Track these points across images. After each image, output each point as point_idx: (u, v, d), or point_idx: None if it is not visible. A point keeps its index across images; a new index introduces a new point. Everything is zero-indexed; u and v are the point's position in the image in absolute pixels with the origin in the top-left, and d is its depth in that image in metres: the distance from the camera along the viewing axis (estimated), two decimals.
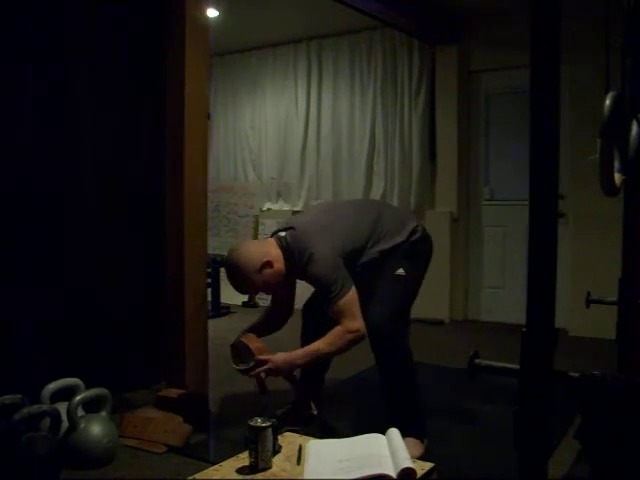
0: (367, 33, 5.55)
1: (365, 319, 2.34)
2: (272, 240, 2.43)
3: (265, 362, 2.29)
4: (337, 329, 2.28)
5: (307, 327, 2.68)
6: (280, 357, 2.32)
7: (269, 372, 2.32)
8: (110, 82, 3.08)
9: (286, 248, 2.37)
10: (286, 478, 1.72)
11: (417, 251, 2.47)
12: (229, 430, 2.64)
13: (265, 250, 2.36)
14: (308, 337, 2.51)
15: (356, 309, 2.29)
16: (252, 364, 2.31)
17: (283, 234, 2.41)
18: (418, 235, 2.47)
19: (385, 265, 2.41)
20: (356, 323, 2.28)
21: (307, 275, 2.33)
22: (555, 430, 1.16)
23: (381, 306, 2.35)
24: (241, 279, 2.34)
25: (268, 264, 2.32)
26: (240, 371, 2.36)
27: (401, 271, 2.39)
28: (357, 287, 2.34)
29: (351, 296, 2.29)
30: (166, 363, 2.92)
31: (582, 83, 4.30)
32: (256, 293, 2.50)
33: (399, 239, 2.42)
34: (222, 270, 5.47)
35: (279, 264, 2.35)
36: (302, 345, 2.59)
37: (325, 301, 2.31)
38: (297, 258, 2.34)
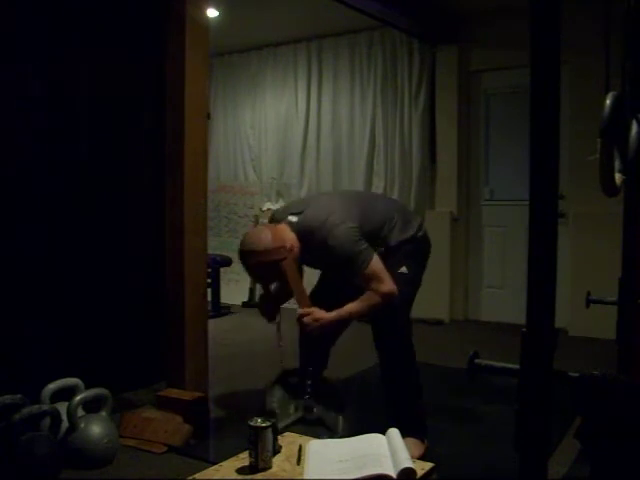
0: (367, 33, 5.54)
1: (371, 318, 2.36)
2: (284, 226, 2.38)
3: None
4: (370, 294, 2.28)
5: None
6: (319, 313, 2.31)
7: (306, 322, 2.31)
8: (109, 81, 3.08)
9: (301, 231, 2.34)
10: (286, 478, 1.72)
11: (420, 250, 2.52)
12: (229, 430, 2.64)
13: (285, 236, 2.32)
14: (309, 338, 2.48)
15: (384, 274, 2.29)
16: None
17: (294, 219, 2.37)
18: (421, 233, 2.52)
19: (388, 264, 2.41)
20: (387, 286, 2.28)
21: (328, 249, 2.27)
22: (555, 430, 1.16)
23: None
24: (264, 267, 2.29)
25: (291, 250, 2.31)
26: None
27: (404, 269, 2.42)
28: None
29: (376, 262, 2.29)
30: (166, 363, 2.92)
31: (582, 83, 4.30)
32: (272, 283, 2.46)
33: (411, 231, 2.47)
34: (222, 270, 5.49)
35: (297, 249, 2.34)
36: (300, 346, 2.58)
37: (350, 273, 2.29)
38: (316, 236, 2.30)
